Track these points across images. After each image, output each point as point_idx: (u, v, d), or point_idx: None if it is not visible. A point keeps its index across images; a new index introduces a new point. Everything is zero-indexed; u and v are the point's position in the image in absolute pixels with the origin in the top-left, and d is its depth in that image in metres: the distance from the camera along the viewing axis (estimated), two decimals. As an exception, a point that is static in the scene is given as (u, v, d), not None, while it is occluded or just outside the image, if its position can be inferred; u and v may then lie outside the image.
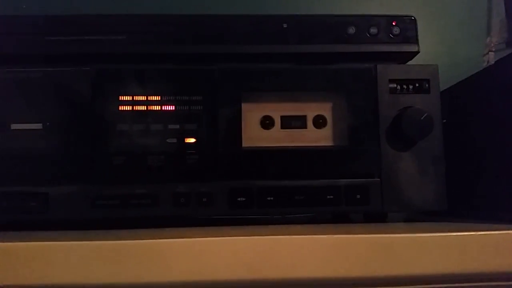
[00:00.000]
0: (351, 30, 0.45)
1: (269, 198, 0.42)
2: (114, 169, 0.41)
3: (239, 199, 0.41)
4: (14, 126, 0.41)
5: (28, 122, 0.42)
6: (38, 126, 0.42)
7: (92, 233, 0.36)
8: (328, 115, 0.44)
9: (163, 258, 0.31)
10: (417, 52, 0.46)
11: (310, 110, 0.44)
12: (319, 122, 0.44)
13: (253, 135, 0.43)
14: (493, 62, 0.44)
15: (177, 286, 0.31)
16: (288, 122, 0.44)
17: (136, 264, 0.31)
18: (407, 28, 0.46)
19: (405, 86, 0.44)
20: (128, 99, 0.42)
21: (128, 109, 0.42)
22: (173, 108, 0.42)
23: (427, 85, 0.44)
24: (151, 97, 0.42)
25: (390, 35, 0.45)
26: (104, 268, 0.31)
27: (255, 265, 0.31)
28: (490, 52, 0.51)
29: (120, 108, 0.42)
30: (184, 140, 0.42)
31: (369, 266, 0.32)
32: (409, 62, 0.48)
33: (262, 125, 0.44)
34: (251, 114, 0.44)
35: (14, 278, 0.31)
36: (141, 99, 0.42)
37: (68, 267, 0.31)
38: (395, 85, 0.44)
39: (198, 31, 0.45)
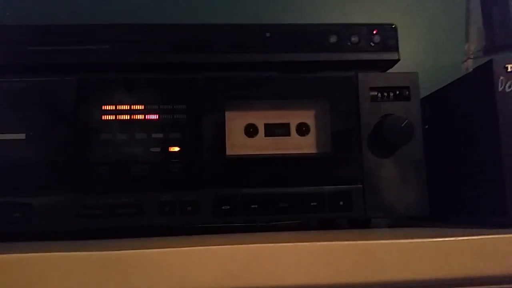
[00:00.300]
0: (333, 38, 0.46)
1: (253, 206, 0.42)
2: (98, 178, 0.41)
3: (223, 207, 0.42)
4: (-3, 137, 0.41)
5: (11, 132, 0.41)
6: (21, 136, 0.41)
7: (76, 244, 0.36)
8: (311, 122, 0.45)
9: (147, 268, 0.31)
10: (398, 60, 0.47)
11: (293, 117, 0.45)
12: (302, 129, 0.45)
13: (237, 143, 0.44)
14: (471, 69, 0.45)
15: (160, 295, 0.31)
16: (272, 130, 0.44)
17: (120, 275, 0.31)
18: (387, 36, 0.47)
19: (385, 94, 0.45)
20: (112, 108, 0.42)
21: (112, 118, 0.42)
22: (157, 117, 0.42)
23: (407, 92, 0.45)
24: (134, 106, 0.42)
25: (371, 43, 0.46)
26: (89, 279, 0.31)
27: (238, 273, 0.31)
28: (468, 60, 0.52)
29: (103, 118, 0.42)
30: (168, 149, 0.42)
31: (353, 273, 0.33)
32: (390, 70, 0.49)
33: (246, 133, 0.44)
34: (235, 122, 0.44)
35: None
36: (124, 108, 0.42)
37: (53, 279, 0.31)
38: (376, 93, 0.45)
39: (181, 40, 0.45)
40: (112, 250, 0.31)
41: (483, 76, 0.40)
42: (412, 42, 0.78)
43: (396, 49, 0.46)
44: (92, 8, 0.74)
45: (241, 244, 0.32)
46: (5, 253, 0.31)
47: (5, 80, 0.42)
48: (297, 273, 0.32)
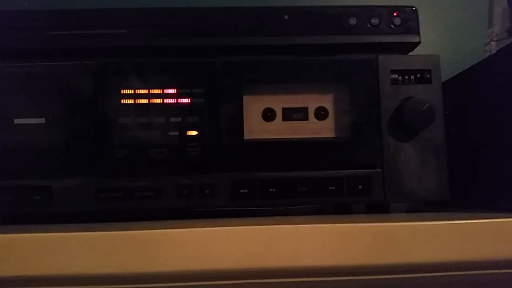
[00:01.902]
0: (352, 21, 0.45)
1: (271, 190, 0.42)
2: (117, 162, 0.41)
3: (241, 190, 0.41)
4: (17, 121, 0.42)
5: (31, 116, 0.42)
6: (41, 120, 0.42)
7: (95, 226, 0.36)
8: (329, 106, 0.44)
9: (166, 248, 0.31)
10: (419, 43, 0.46)
11: (312, 101, 0.44)
12: (321, 113, 0.44)
13: (255, 128, 0.43)
14: (495, 52, 0.44)
15: (180, 275, 0.31)
16: (290, 114, 0.44)
17: (139, 254, 0.31)
18: (408, 19, 0.46)
19: (406, 77, 0.44)
20: (130, 92, 0.42)
21: (130, 102, 0.42)
22: (175, 101, 0.42)
23: (428, 75, 0.44)
24: (152, 90, 0.42)
25: (391, 25, 0.45)
26: (108, 259, 0.31)
27: (257, 254, 0.31)
28: (491, 42, 0.51)
29: (122, 102, 0.42)
30: (186, 132, 0.42)
31: (371, 255, 0.32)
32: (411, 53, 0.48)
33: (264, 117, 0.44)
34: (253, 106, 0.44)
35: (19, 270, 0.31)
36: (142, 92, 0.42)
37: (72, 258, 0.31)
38: (397, 76, 0.44)
39: (199, 23, 0.45)
40: (130, 230, 0.32)
41: (507, 57, 0.40)
42: (433, 25, 0.77)
43: (417, 31, 0.46)
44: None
45: (260, 225, 0.32)
46: (26, 233, 0.31)
47: (25, 65, 0.42)
48: (317, 255, 0.32)
